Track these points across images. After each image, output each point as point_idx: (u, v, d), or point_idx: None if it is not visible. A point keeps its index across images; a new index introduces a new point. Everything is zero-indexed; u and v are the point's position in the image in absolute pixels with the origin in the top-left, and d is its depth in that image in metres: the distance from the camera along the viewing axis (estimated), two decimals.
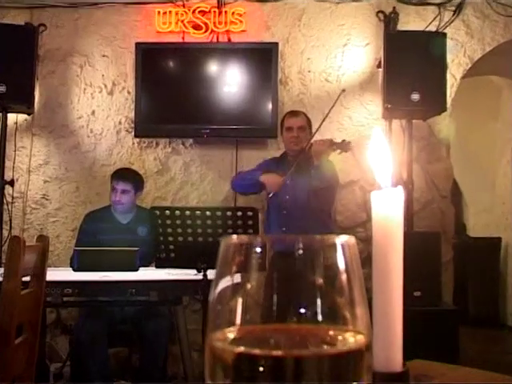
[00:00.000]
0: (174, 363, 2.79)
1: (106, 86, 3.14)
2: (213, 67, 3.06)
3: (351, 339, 0.29)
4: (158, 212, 2.14)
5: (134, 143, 3.14)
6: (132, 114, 3.09)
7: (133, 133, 3.09)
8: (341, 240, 0.30)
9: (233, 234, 0.33)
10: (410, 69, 2.69)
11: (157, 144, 3.16)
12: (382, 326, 0.43)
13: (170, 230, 2.15)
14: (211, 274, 2.22)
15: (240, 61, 3.04)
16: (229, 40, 3.09)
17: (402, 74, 2.70)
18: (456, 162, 3.45)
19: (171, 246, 2.18)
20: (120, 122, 3.14)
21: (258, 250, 0.31)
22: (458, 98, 3.11)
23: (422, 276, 2.58)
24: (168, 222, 2.16)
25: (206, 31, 3.09)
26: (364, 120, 3.07)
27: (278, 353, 0.28)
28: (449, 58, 2.83)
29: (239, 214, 2.05)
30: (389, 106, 2.62)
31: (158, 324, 2.40)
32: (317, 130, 2.47)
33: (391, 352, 0.42)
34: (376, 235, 0.42)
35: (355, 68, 3.09)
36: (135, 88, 3.07)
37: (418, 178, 3.05)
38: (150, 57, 3.05)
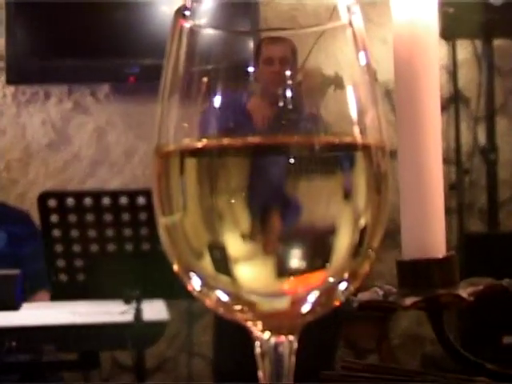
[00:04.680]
0: None
1: None
2: None
3: (358, 138, 0.39)
4: (52, 202, 2.21)
5: (5, 95, 3.21)
6: (1, 46, 3.16)
7: (3, 77, 3.16)
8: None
9: None
10: None
11: (47, 96, 3.23)
12: (412, 198, 0.52)
13: (75, 234, 2.23)
14: (150, 309, 2.29)
15: None
16: None
17: None
18: None
19: (78, 262, 2.25)
20: None
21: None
22: None
23: None
24: (72, 219, 2.23)
25: None
26: None
27: (255, 140, 0.37)
28: None
29: None
30: (450, 11, 2.72)
31: None
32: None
33: (428, 232, 0.51)
34: (398, 56, 0.51)
35: None
36: (5, 2, 3.14)
37: (507, 143, 3.18)
38: None
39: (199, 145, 0.38)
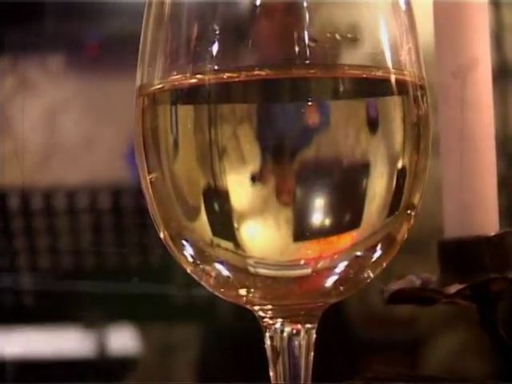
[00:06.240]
0: None
1: None
2: None
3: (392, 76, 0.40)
4: None
5: None
6: None
7: None
8: None
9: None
10: None
11: None
12: (456, 162, 0.53)
13: (21, 244, 2.23)
14: (116, 338, 2.29)
15: None
16: None
17: None
18: None
19: (25, 280, 2.26)
20: None
21: None
22: None
23: None
24: (17, 224, 2.24)
25: None
26: None
27: (265, 72, 0.38)
28: None
29: None
30: None
31: None
32: None
33: (476, 205, 0.52)
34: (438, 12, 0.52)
35: None
36: None
37: None
38: None
39: (194, 80, 0.39)
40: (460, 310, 0.70)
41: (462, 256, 0.54)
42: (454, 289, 0.51)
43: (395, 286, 0.54)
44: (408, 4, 0.43)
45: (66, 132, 3.18)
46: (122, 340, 2.30)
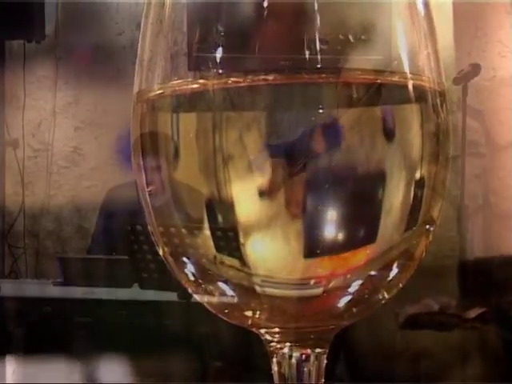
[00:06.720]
0: None
1: None
2: None
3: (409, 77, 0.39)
4: None
5: None
6: None
7: None
8: None
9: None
10: None
11: None
12: (479, 191, 0.52)
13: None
14: (107, 372, 2.27)
15: None
16: None
17: None
18: None
19: (14, 313, 2.25)
20: None
21: None
22: None
23: None
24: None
25: None
26: None
27: (273, 77, 0.36)
28: None
29: None
30: None
31: None
32: None
33: (499, 227, 0.51)
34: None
35: None
36: None
37: None
38: None
39: (197, 85, 0.38)
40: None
41: (484, 276, 0.53)
42: (474, 313, 0.50)
43: (411, 310, 0.53)
44: (427, 8, 0.42)
45: (61, 144, 3.16)
46: (114, 373, 2.29)
